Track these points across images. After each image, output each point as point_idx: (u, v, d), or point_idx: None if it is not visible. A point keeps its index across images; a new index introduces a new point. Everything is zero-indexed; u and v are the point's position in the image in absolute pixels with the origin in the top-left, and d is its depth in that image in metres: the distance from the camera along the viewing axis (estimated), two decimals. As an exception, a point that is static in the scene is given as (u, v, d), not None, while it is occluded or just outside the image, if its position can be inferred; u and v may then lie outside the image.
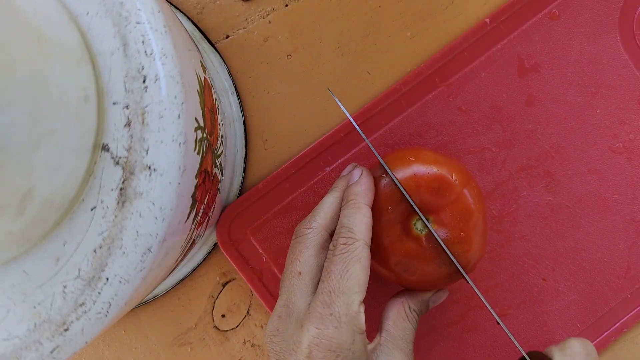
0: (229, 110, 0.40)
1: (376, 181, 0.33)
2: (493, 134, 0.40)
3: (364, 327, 0.29)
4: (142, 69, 0.24)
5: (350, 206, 0.32)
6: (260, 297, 0.40)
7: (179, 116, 0.24)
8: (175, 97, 0.24)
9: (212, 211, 0.35)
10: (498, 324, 0.33)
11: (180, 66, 0.25)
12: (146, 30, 0.25)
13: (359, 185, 0.33)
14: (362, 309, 0.29)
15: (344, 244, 0.30)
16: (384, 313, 0.33)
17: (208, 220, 0.35)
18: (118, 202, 0.24)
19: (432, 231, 0.32)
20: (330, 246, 0.31)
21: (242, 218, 0.40)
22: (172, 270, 0.34)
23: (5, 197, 0.22)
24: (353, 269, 0.29)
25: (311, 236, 0.31)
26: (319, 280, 0.30)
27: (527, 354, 0.32)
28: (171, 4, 0.41)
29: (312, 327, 0.28)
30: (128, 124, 0.24)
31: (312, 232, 0.31)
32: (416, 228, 0.33)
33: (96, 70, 0.25)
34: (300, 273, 0.30)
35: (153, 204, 0.24)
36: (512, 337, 0.32)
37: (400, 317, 0.33)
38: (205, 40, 0.41)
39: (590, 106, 0.40)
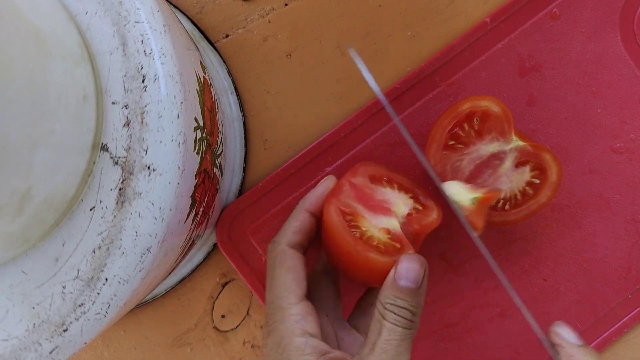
0: (229, 110, 0.40)
1: None
2: (493, 134, 0.40)
3: (300, 328, 0.29)
4: (141, 68, 0.24)
5: (293, 210, 0.33)
6: (260, 297, 0.40)
7: (178, 116, 0.24)
8: (175, 96, 0.24)
9: (212, 211, 0.35)
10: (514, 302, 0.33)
11: (179, 66, 0.25)
12: (145, 30, 0.24)
13: (312, 190, 0.34)
14: (298, 309, 0.29)
15: (270, 251, 0.32)
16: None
17: (208, 221, 0.35)
18: (117, 202, 0.24)
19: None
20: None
21: (242, 218, 0.40)
22: (172, 271, 0.34)
23: (4, 197, 0.21)
24: (277, 275, 0.30)
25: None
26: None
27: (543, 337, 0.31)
28: (170, 3, 0.41)
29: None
30: (127, 124, 0.24)
31: (274, 247, 0.32)
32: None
33: (95, 70, 0.25)
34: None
35: (152, 204, 0.24)
36: (529, 318, 0.31)
37: (375, 321, 0.29)
38: (205, 40, 0.41)
39: (591, 106, 0.40)
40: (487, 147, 0.36)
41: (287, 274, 0.30)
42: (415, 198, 0.35)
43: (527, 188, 0.36)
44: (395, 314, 0.28)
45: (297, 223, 0.32)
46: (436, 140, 0.36)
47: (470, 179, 0.36)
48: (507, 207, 0.36)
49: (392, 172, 0.36)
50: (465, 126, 0.36)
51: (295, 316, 0.29)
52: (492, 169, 0.35)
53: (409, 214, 0.34)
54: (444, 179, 0.36)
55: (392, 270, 0.29)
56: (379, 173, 0.35)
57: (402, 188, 0.35)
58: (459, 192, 0.34)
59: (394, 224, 0.34)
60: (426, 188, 0.36)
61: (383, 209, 0.34)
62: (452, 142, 0.36)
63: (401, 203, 0.35)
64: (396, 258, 0.30)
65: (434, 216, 0.34)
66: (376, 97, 0.40)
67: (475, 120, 0.35)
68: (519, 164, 0.35)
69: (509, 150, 0.35)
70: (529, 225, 0.39)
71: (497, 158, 0.35)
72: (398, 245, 0.32)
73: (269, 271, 0.31)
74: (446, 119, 0.36)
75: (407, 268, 0.29)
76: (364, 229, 0.32)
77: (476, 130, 0.36)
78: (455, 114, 0.36)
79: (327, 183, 0.34)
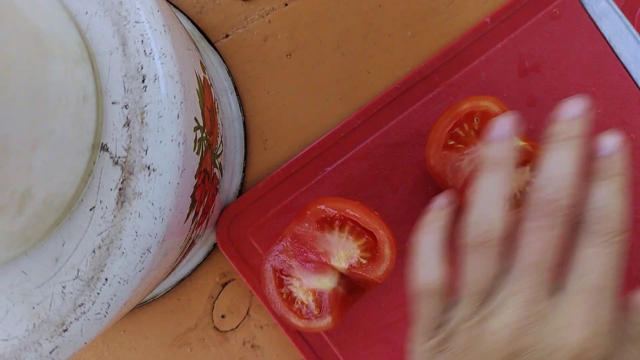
0: (229, 110, 0.40)
1: None
2: (493, 134, 0.40)
3: None
4: (141, 68, 0.24)
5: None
6: (260, 297, 0.39)
7: (178, 116, 0.24)
8: (175, 96, 0.24)
9: (212, 211, 0.35)
10: None
11: (179, 66, 0.25)
12: (145, 30, 0.24)
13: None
14: None
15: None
16: None
17: (207, 221, 0.35)
18: (117, 202, 0.24)
19: None
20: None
21: (242, 218, 0.40)
22: (172, 271, 0.34)
23: (4, 197, 0.21)
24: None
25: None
26: None
27: None
28: (170, 3, 0.41)
29: None
30: (127, 124, 0.24)
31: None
32: None
33: (95, 70, 0.25)
34: None
35: (152, 204, 0.24)
36: None
37: None
38: (205, 40, 0.41)
39: (591, 106, 0.40)
40: None
41: None
42: (367, 244, 0.35)
43: (527, 188, 0.36)
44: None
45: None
46: (436, 140, 0.36)
47: (470, 181, 0.36)
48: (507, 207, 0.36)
49: (356, 207, 0.35)
50: (465, 126, 0.36)
51: None
52: None
53: (350, 268, 0.34)
54: (444, 179, 0.36)
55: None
56: (334, 212, 0.35)
57: (355, 232, 0.35)
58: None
59: (325, 284, 0.35)
60: (389, 228, 0.35)
61: (319, 266, 0.35)
62: (452, 142, 0.36)
63: (344, 256, 0.35)
64: (307, 326, 0.34)
65: (378, 273, 0.34)
66: (376, 98, 0.40)
67: (475, 120, 0.36)
68: (519, 164, 0.35)
69: None
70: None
71: None
72: (317, 312, 0.34)
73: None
74: (446, 119, 0.36)
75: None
76: (291, 289, 0.35)
77: (476, 130, 0.36)
78: (455, 114, 0.36)
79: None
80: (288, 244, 0.35)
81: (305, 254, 0.35)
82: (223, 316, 0.41)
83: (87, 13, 0.25)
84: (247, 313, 0.41)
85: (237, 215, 0.40)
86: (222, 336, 0.41)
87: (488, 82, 0.40)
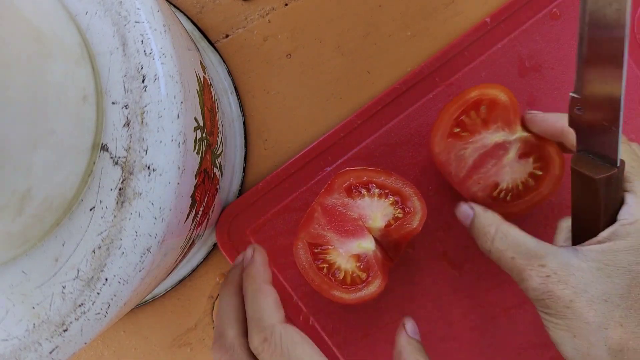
0: (229, 110, 0.40)
1: None
2: (493, 134, 0.40)
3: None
4: (141, 68, 0.24)
5: (248, 293, 0.30)
6: (260, 297, 0.40)
7: (178, 116, 0.24)
8: (175, 96, 0.24)
9: (212, 211, 0.35)
10: None
11: (179, 66, 0.25)
12: (145, 30, 0.24)
13: (252, 265, 0.31)
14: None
15: (264, 340, 0.27)
16: None
17: (207, 221, 0.35)
18: (117, 202, 0.24)
19: None
20: (254, 353, 0.28)
21: (242, 218, 0.40)
22: (172, 271, 0.34)
23: (4, 197, 0.21)
24: (300, 354, 0.27)
25: (239, 352, 0.28)
26: None
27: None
28: (170, 3, 0.41)
29: None
30: (127, 124, 0.24)
31: (237, 348, 0.28)
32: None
33: (95, 70, 0.25)
34: None
35: (152, 204, 0.24)
36: None
37: None
38: (205, 40, 0.41)
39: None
40: (492, 137, 0.36)
41: (306, 348, 0.27)
42: (398, 203, 0.35)
43: (529, 180, 0.35)
44: None
45: (272, 297, 0.29)
46: (442, 127, 0.36)
47: (474, 169, 0.36)
48: (508, 198, 0.36)
49: (376, 172, 0.36)
50: (472, 114, 0.36)
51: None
52: (496, 159, 0.35)
53: (387, 225, 0.35)
54: (448, 168, 0.36)
55: (404, 334, 0.31)
56: (359, 179, 0.35)
57: (383, 194, 0.35)
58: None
59: (366, 246, 0.34)
60: (416, 186, 0.36)
61: (356, 230, 0.35)
62: (457, 130, 0.36)
63: (379, 215, 0.35)
64: (359, 295, 0.33)
65: (414, 223, 0.35)
66: (376, 98, 0.40)
67: (482, 108, 0.35)
68: (522, 155, 0.35)
69: (514, 140, 0.35)
70: (530, 225, 0.39)
71: (501, 148, 0.35)
72: (364, 276, 0.34)
73: (281, 358, 0.27)
74: (453, 106, 0.36)
75: (414, 325, 0.32)
76: (332, 261, 0.34)
77: (482, 119, 0.36)
78: (463, 102, 0.35)
79: (260, 252, 0.32)
80: (320, 217, 0.34)
81: (340, 222, 0.34)
82: (223, 316, 0.41)
83: (87, 13, 0.25)
84: (247, 313, 0.41)
85: (237, 215, 0.40)
86: (222, 336, 0.41)
87: (488, 82, 0.40)
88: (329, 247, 0.34)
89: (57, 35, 0.24)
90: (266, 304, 0.29)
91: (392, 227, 0.35)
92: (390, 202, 0.35)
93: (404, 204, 0.35)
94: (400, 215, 0.35)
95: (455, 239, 0.40)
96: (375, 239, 0.35)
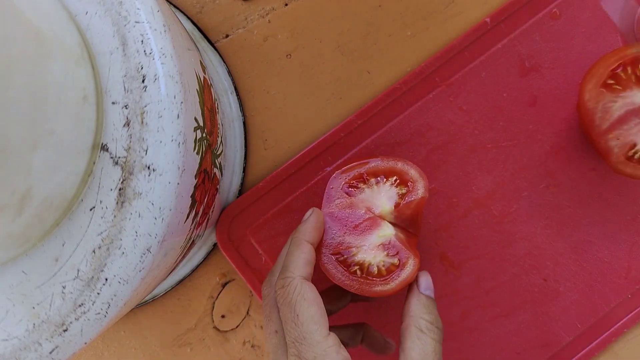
0: (229, 110, 0.40)
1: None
2: (493, 134, 0.40)
3: (342, 356, 0.29)
4: (142, 68, 0.24)
5: (291, 244, 0.32)
6: (260, 297, 0.40)
7: (178, 116, 0.24)
8: (175, 96, 0.24)
9: (212, 211, 0.35)
10: None
11: (179, 66, 0.25)
12: (145, 30, 0.24)
13: (304, 223, 0.33)
14: (332, 340, 0.29)
15: (282, 287, 0.30)
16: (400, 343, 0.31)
17: (207, 221, 0.35)
18: (117, 203, 0.24)
19: None
20: (274, 295, 0.31)
21: (242, 218, 0.40)
22: (172, 271, 0.34)
23: (4, 197, 0.21)
24: (301, 310, 0.29)
25: (272, 293, 0.31)
26: None
27: None
28: (170, 3, 0.41)
29: None
30: (127, 124, 0.24)
31: (272, 290, 0.32)
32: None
33: (95, 70, 0.25)
34: (276, 331, 0.30)
35: (152, 204, 0.24)
36: None
37: (415, 337, 0.30)
38: (205, 40, 0.41)
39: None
40: None
41: (312, 308, 0.29)
42: (396, 181, 0.35)
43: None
44: (432, 324, 0.31)
45: (305, 255, 0.31)
46: (597, 75, 0.36)
47: (617, 124, 0.36)
48: None
49: (363, 163, 0.36)
50: (629, 69, 0.36)
51: (333, 347, 0.29)
52: None
53: (396, 205, 0.35)
54: (592, 117, 0.36)
55: (415, 291, 0.32)
56: (352, 178, 0.35)
57: (380, 179, 0.36)
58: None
59: (385, 232, 0.34)
60: (399, 157, 0.36)
61: (370, 223, 0.34)
62: (611, 82, 0.36)
63: (385, 199, 0.35)
64: (400, 279, 0.33)
65: (420, 192, 0.35)
66: (376, 98, 0.40)
67: None
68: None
69: None
70: (530, 225, 0.39)
71: None
72: (397, 261, 0.33)
73: (287, 307, 0.30)
74: (612, 57, 0.36)
75: (427, 280, 0.33)
76: (361, 261, 0.34)
77: (637, 76, 0.36)
78: (622, 55, 0.36)
79: (316, 215, 0.34)
80: (331, 225, 0.35)
81: (350, 222, 0.35)
82: (223, 316, 0.41)
83: (87, 13, 0.25)
84: (247, 313, 0.41)
85: (237, 215, 0.40)
86: (222, 336, 0.41)
87: (488, 82, 0.40)
88: (353, 249, 0.34)
89: (57, 35, 0.24)
90: (297, 258, 0.31)
91: (402, 204, 0.35)
92: (390, 183, 0.35)
93: (403, 178, 0.35)
94: (404, 191, 0.35)
95: (455, 239, 0.40)
96: (391, 223, 0.35)
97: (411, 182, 0.35)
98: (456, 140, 0.40)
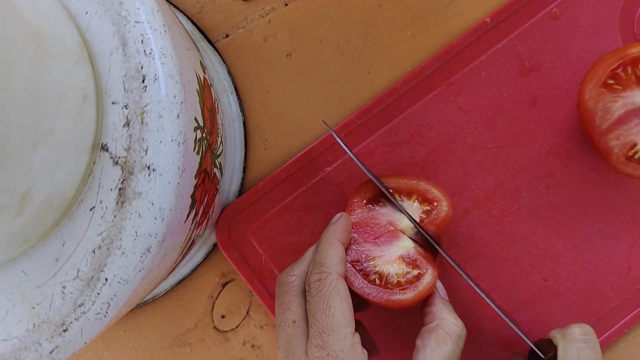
0: (229, 110, 0.40)
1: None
2: (494, 134, 0.40)
3: (363, 356, 0.29)
4: (141, 68, 0.24)
5: (322, 243, 0.33)
6: (260, 297, 0.40)
7: (178, 116, 0.24)
8: (175, 96, 0.24)
9: (212, 211, 0.35)
10: (501, 316, 0.34)
11: (179, 65, 0.25)
12: (145, 30, 0.24)
13: (334, 224, 0.34)
14: (357, 339, 0.30)
15: (318, 280, 0.30)
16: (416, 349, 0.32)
17: (207, 221, 0.35)
18: (117, 202, 0.24)
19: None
20: (306, 287, 0.31)
21: (242, 218, 0.40)
22: (172, 271, 0.34)
23: (4, 197, 0.21)
24: (334, 303, 0.30)
25: (296, 283, 0.32)
26: None
27: (534, 344, 0.32)
28: (170, 3, 0.41)
29: None
30: (127, 124, 0.24)
31: (296, 279, 0.32)
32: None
33: (95, 70, 0.25)
34: (294, 321, 0.31)
35: (152, 204, 0.24)
36: (517, 330, 0.32)
37: (437, 342, 0.31)
38: (205, 40, 0.41)
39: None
40: None
41: (344, 303, 0.30)
42: (419, 198, 0.36)
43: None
44: (461, 329, 0.32)
45: (339, 253, 0.32)
46: (597, 75, 0.36)
47: (617, 124, 0.36)
48: None
49: (387, 179, 0.36)
50: (629, 69, 0.36)
51: (359, 345, 0.30)
52: None
53: (420, 221, 0.35)
54: (592, 117, 0.36)
55: (439, 296, 0.34)
56: (373, 194, 0.36)
57: (402, 196, 0.36)
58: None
59: (405, 244, 0.35)
60: (424, 177, 0.36)
61: (391, 236, 0.35)
62: (611, 82, 0.36)
63: (405, 217, 0.35)
64: (419, 290, 0.33)
65: (444, 210, 0.35)
66: (376, 98, 0.40)
67: None
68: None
69: None
70: (530, 225, 0.39)
71: None
72: (416, 272, 0.34)
73: (320, 299, 0.30)
74: (612, 57, 0.36)
75: (443, 289, 0.34)
76: (381, 270, 0.34)
77: (638, 76, 0.36)
78: (623, 54, 0.35)
79: (345, 218, 0.35)
80: (353, 235, 0.35)
81: (371, 233, 0.35)
82: (223, 316, 0.41)
83: (87, 13, 0.25)
84: (247, 313, 0.41)
85: (237, 215, 0.40)
86: (222, 336, 0.41)
87: (488, 82, 0.40)
88: (372, 259, 0.35)
89: (57, 35, 0.24)
90: (332, 255, 0.32)
91: (426, 221, 0.35)
92: (414, 199, 0.36)
93: (424, 197, 0.36)
94: (427, 208, 0.36)
95: (455, 239, 0.40)
96: (411, 239, 0.35)
97: (436, 200, 0.36)
98: (456, 140, 0.40)
